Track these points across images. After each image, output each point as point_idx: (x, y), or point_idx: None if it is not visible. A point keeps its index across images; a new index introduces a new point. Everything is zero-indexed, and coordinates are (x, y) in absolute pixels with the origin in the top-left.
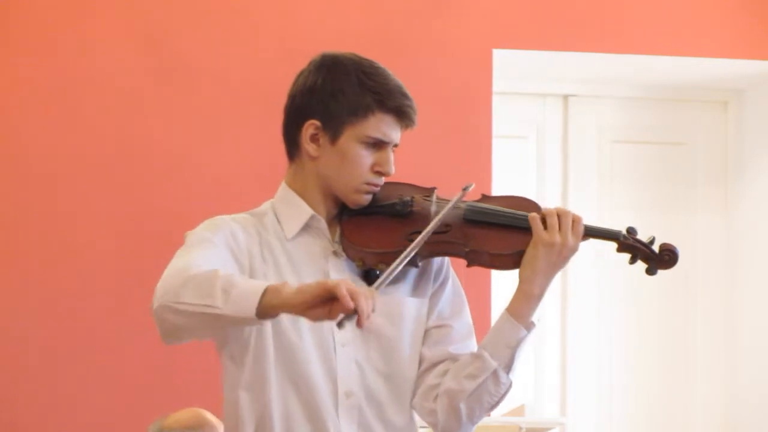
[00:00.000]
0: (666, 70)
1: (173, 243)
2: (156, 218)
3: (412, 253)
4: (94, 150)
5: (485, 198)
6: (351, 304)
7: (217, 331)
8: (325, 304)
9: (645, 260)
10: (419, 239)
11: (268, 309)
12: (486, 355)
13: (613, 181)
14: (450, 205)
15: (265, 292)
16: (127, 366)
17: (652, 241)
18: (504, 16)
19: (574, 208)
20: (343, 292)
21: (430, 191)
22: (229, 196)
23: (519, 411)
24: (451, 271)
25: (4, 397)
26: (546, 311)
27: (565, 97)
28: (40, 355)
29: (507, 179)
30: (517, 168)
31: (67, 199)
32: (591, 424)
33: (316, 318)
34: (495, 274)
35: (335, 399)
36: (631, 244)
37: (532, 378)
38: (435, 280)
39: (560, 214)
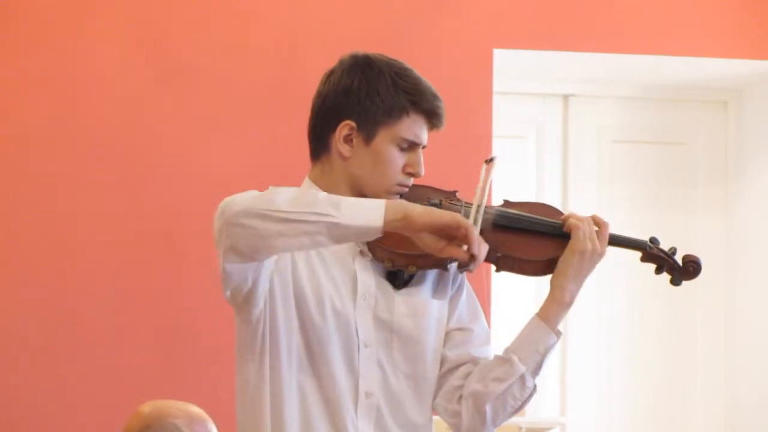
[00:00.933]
0: (666, 70)
1: (173, 243)
2: (156, 218)
3: (485, 198)
4: (93, 150)
5: (508, 203)
6: (477, 251)
7: (315, 244)
8: (442, 237)
9: (670, 271)
10: (483, 188)
11: (388, 223)
12: (515, 359)
13: (613, 181)
14: (482, 183)
15: (387, 205)
16: (127, 365)
17: (674, 252)
18: (504, 16)
19: (574, 208)
20: (476, 235)
21: (452, 194)
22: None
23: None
24: (465, 277)
25: (3, 397)
26: None
27: (565, 97)
28: (39, 354)
29: (507, 179)
30: (517, 168)
31: (67, 199)
32: (591, 424)
33: (425, 245)
34: (494, 278)
35: (355, 398)
36: (656, 255)
37: None
38: (453, 283)
39: (595, 222)
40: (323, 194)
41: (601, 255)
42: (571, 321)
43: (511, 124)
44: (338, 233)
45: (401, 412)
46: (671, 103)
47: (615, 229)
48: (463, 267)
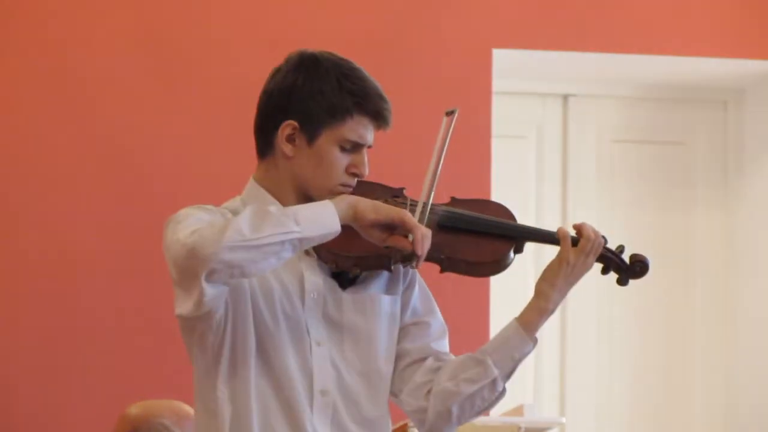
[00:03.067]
0: (666, 70)
1: None
2: (155, 217)
3: (436, 181)
4: (93, 149)
5: (455, 201)
6: (420, 250)
7: (281, 260)
8: (387, 229)
9: (617, 271)
10: (436, 161)
11: (342, 221)
12: (490, 362)
13: (613, 181)
14: (443, 135)
15: (336, 206)
16: (126, 365)
17: (621, 251)
18: (504, 16)
19: (574, 207)
20: (419, 235)
21: (399, 191)
22: (228, 195)
23: (518, 411)
24: (417, 273)
25: (3, 397)
26: None
27: (565, 97)
28: (39, 354)
29: (507, 179)
30: (517, 168)
31: (66, 199)
32: (590, 424)
33: (372, 237)
34: (494, 279)
35: (310, 397)
36: (602, 254)
37: (532, 378)
38: (404, 279)
39: (592, 237)
40: (275, 209)
41: (589, 268)
42: (571, 321)
43: (511, 124)
44: (302, 245)
45: (356, 408)
46: (671, 103)
47: (616, 229)
48: (406, 262)
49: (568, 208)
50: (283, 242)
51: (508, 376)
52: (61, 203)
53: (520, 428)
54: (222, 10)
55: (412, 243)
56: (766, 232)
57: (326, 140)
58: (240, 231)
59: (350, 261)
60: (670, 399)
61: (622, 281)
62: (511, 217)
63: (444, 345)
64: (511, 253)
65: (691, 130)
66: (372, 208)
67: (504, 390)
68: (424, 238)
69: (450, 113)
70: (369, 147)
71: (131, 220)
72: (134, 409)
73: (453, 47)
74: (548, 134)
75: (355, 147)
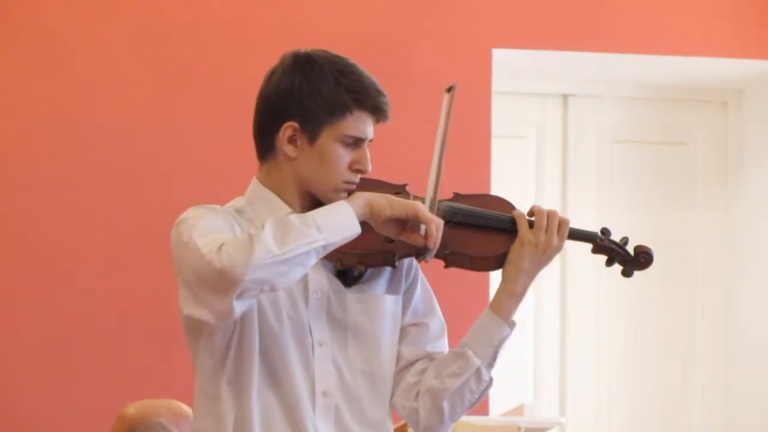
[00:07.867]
0: (666, 70)
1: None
2: (154, 218)
3: (443, 160)
4: (93, 149)
5: (459, 197)
6: (434, 243)
7: (306, 269)
8: (399, 223)
9: (621, 262)
10: (441, 142)
11: (360, 219)
12: (470, 353)
13: (613, 181)
14: (445, 113)
15: (353, 206)
16: (123, 365)
17: (625, 242)
18: (504, 16)
19: (574, 207)
20: (434, 227)
21: (401, 188)
22: (227, 196)
23: (518, 411)
24: (420, 270)
25: (1, 396)
26: (545, 311)
27: (565, 96)
28: (39, 354)
29: (506, 179)
30: (517, 168)
31: (67, 199)
32: (590, 424)
33: (385, 232)
34: (494, 275)
35: (312, 398)
36: (606, 246)
37: (532, 378)
38: (406, 277)
39: (548, 215)
40: (294, 218)
41: (555, 249)
42: (571, 321)
43: (510, 124)
44: (326, 251)
45: (359, 409)
46: (671, 103)
47: (616, 229)
48: (419, 256)
49: (568, 208)
50: (308, 252)
51: (491, 364)
52: (61, 203)
53: (520, 428)
54: (222, 11)
55: (425, 236)
56: (766, 232)
57: (327, 138)
58: (268, 247)
59: (355, 258)
60: (670, 399)
61: (626, 272)
62: (516, 210)
63: (441, 345)
64: None
65: (691, 130)
66: (387, 204)
67: (491, 379)
68: (438, 229)
69: (449, 90)
70: (370, 141)
71: (131, 220)
72: (131, 409)
73: (452, 47)
74: (548, 134)
75: (357, 142)
